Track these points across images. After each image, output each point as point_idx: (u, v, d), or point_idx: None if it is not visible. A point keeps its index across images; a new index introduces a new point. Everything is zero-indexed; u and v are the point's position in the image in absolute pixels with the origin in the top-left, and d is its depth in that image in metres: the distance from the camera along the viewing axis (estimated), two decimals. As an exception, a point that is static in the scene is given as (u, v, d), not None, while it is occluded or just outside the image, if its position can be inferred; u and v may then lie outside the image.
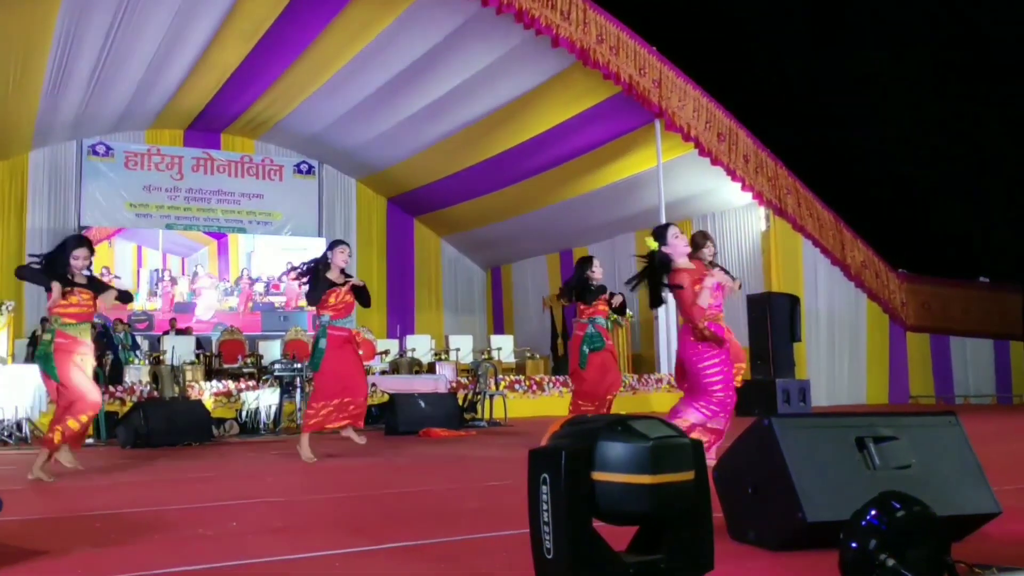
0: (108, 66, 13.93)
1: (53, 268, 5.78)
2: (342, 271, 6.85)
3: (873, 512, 2.33)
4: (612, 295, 7.67)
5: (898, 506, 2.34)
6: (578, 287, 7.46)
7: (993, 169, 19.30)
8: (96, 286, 5.97)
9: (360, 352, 7.03)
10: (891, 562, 2.25)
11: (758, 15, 19.90)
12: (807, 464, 2.95)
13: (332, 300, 6.74)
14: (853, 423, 3.21)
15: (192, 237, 18.50)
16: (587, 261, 7.63)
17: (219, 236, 18.68)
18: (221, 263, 18.61)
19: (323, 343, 6.69)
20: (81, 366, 5.78)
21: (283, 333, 15.98)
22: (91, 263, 6.04)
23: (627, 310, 7.86)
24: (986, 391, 16.50)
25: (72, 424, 5.73)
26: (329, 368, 6.68)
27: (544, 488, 2.23)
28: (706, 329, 5.34)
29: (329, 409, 6.69)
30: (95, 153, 17.74)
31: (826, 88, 19.08)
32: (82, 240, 5.96)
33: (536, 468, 2.26)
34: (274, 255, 18.75)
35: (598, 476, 2.21)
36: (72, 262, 5.81)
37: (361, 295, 6.91)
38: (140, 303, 17.52)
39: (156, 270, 18.01)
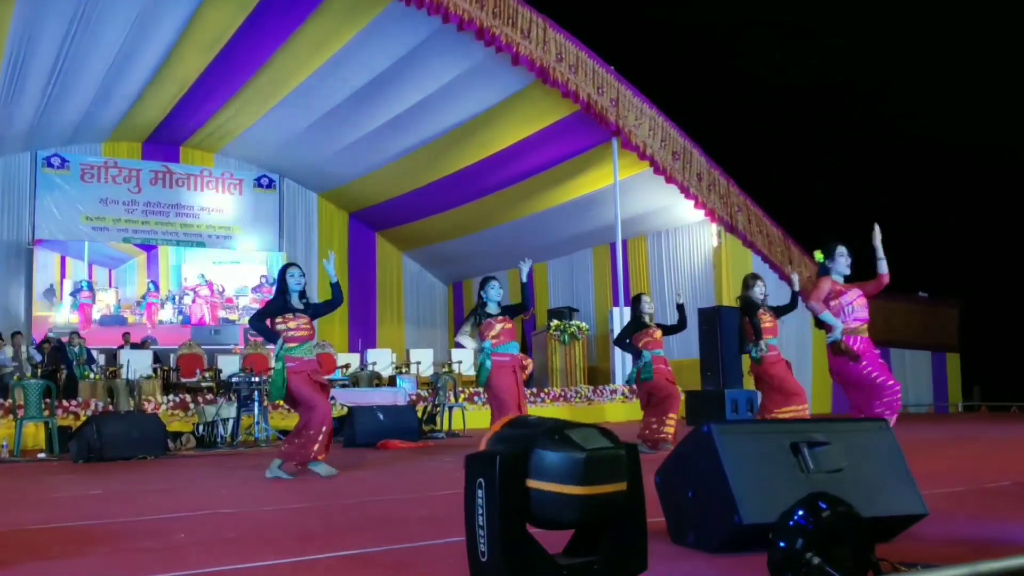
0: (63, 76, 13.75)
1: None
2: (498, 303, 7.05)
3: (800, 512, 2.40)
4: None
5: (824, 507, 2.41)
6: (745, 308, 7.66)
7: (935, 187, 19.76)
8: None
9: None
10: (817, 560, 2.32)
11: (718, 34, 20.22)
12: (744, 468, 3.04)
13: (494, 331, 6.90)
14: (789, 429, 3.31)
15: (121, 248, 18.04)
16: (751, 278, 7.88)
17: (148, 248, 18.26)
18: (150, 275, 18.20)
19: (488, 364, 6.86)
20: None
21: (230, 346, 15.76)
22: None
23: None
24: (924, 400, 16.86)
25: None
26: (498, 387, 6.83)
27: (480, 493, 2.27)
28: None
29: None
30: (50, 165, 17.42)
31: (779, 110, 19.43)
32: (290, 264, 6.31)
33: (472, 473, 2.31)
34: (207, 268, 18.52)
35: (532, 484, 2.25)
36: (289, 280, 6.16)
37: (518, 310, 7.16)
38: (64, 316, 17.10)
39: (80, 281, 17.49)
